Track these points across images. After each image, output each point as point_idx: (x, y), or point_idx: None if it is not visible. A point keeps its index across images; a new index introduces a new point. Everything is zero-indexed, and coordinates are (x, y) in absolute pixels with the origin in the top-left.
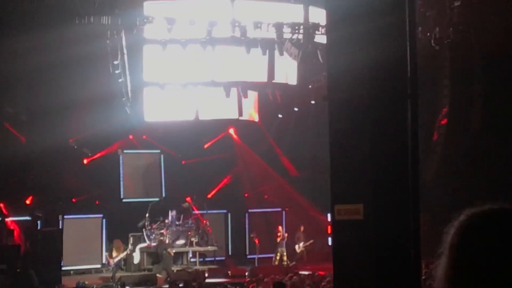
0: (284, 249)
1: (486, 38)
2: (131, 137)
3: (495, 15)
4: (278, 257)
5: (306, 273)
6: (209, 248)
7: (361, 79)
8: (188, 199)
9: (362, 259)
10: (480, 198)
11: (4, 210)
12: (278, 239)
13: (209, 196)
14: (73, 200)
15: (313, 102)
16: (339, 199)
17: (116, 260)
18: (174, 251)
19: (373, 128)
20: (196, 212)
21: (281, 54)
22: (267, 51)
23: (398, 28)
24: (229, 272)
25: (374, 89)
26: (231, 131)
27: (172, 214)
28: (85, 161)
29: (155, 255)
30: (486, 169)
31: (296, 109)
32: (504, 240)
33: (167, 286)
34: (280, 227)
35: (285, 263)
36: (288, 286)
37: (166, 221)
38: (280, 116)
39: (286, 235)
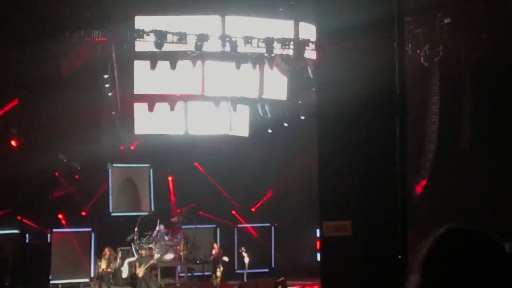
0: (220, 265)
1: (475, 55)
2: (120, 149)
3: (484, 32)
4: (214, 275)
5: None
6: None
7: (350, 96)
8: (178, 211)
9: (350, 275)
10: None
11: None
12: (213, 257)
13: (200, 212)
14: (62, 213)
15: (302, 117)
16: (328, 216)
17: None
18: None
19: (361, 145)
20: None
21: (271, 69)
22: (257, 66)
23: (387, 45)
24: (217, 287)
25: (362, 106)
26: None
27: (160, 228)
28: (75, 175)
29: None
30: (476, 186)
31: (285, 124)
32: (471, 258)
33: None
34: (215, 244)
35: (219, 280)
36: None
37: (154, 232)
38: (269, 131)
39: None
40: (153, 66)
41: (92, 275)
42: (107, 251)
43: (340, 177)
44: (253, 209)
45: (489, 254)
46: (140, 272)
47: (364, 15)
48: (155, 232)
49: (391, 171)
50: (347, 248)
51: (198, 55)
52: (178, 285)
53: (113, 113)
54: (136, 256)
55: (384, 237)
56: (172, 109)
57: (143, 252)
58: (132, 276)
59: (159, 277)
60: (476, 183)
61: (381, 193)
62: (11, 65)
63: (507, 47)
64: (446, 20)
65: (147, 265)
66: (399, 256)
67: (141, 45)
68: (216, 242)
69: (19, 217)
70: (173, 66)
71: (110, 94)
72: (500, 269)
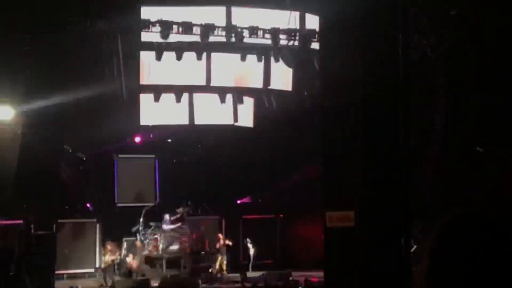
0: (224, 257)
1: (482, 46)
2: (125, 140)
3: (491, 23)
4: (218, 266)
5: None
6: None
7: (354, 87)
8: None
9: (353, 266)
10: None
11: None
12: (218, 246)
13: (205, 202)
14: (67, 204)
15: (310, 109)
16: (331, 206)
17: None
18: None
19: (365, 136)
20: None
21: (277, 60)
22: (263, 57)
23: (391, 36)
24: (222, 277)
25: (366, 96)
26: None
27: (166, 219)
28: (80, 166)
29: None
30: (482, 177)
31: (292, 115)
32: (481, 244)
33: None
34: (220, 235)
35: (224, 271)
36: None
37: (162, 226)
38: (276, 122)
39: (226, 242)
40: (159, 57)
41: (97, 265)
42: (108, 245)
43: (344, 167)
44: (258, 200)
45: (498, 237)
46: (134, 263)
47: (368, 5)
48: (161, 223)
49: (395, 162)
50: (351, 238)
51: (204, 46)
52: (183, 276)
53: (119, 103)
54: (141, 247)
55: (387, 227)
56: (178, 100)
57: (138, 243)
58: (127, 267)
59: (164, 268)
60: (482, 174)
61: (384, 183)
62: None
63: None
64: (453, 11)
65: (142, 259)
66: (403, 246)
67: (147, 36)
68: (221, 233)
69: (24, 207)
70: (179, 57)
71: (115, 84)
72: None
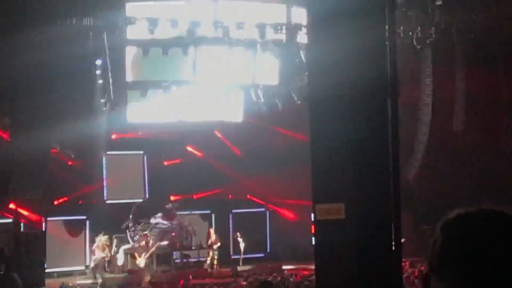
0: (216, 252)
1: (467, 37)
2: (114, 138)
3: (476, 14)
4: (209, 261)
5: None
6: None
7: (341, 79)
8: (172, 198)
9: (343, 258)
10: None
11: None
12: (209, 242)
13: (195, 197)
14: (56, 201)
15: (298, 102)
16: (320, 199)
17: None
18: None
19: (353, 128)
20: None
21: (264, 54)
22: (250, 51)
23: (378, 27)
24: (213, 272)
25: (354, 88)
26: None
27: (155, 215)
28: (69, 163)
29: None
30: (469, 168)
31: (280, 108)
32: (487, 240)
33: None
34: (211, 230)
35: (215, 267)
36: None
37: (151, 220)
38: (264, 116)
39: (216, 239)
40: (145, 53)
41: (87, 263)
42: (98, 241)
43: (333, 160)
44: (247, 194)
45: (504, 233)
46: (142, 262)
47: None
48: (152, 219)
49: (384, 153)
50: (341, 231)
51: (190, 41)
52: (174, 271)
53: (105, 100)
54: (131, 243)
55: (377, 219)
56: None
57: (142, 241)
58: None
59: (154, 264)
60: (469, 164)
61: (373, 175)
62: (1, 53)
63: (499, 28)
64: (438, 2)
65: (147, 254)
66: (393, 238)
67: (132, 32)
68: (211, 228)
69: (13, 206)
70: (165, 53)
71: (101, 81)
72: None
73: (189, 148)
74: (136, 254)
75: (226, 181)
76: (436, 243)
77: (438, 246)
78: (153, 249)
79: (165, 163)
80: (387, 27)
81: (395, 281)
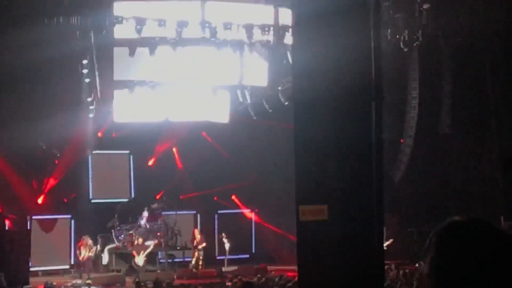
0: (201, 252)
1: (454, 40)
2: (99, 136)
3: (463, 17)
4: (194, 261)
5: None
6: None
7: (326, 81)
8: (157, 197)
9: (326, 260)
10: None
11: None
12: (194, 242)
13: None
14: (42, 200)
15: (286, 103)
16: (304, 200)
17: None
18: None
19: (337, 130)
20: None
21: (251, 55)
22: (237, 52)
23: (363, 30)
24: (197, 273)
25: (339, 91)
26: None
27: (141, 215)
28: (54, 162)
29: (124, 256)
30: (455, 171)
31: (269, 110)
32: (480, 249)
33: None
34: (196, 230)
35: (200, 267)
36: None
37: (138, 221)
38: (254, 118)
39: (201, 240)
40: (132, 53)
41: (72, 262)
42: (83, 240)
43: (317, 161)
44: (233, 195)
45: (495, 241)
46: (140, 261)
47: None
48: (138, 219)
49: (367, 156)
50: (324, 232)
51: (178, 41)
52: (159, 271)
53: (92, 99)
54: (116, 243)
55: (360, 221)
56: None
57: (140, 240)
58: (130, 265)
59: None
60: (455, 167)
61: (357, 177)
62: None
63: (486, 32)
64: (425, 5)
65: (146, 253)
66: (376, 240)
67: (120, 32)
68: (196, 228)
69: None
70: (152, 52)
71: (88, 80)
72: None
73: (175, 148)
74: (134, 253)
75: (212, 181)
76: (429, 252)
77: (431, 255)
78: (151, 247)
79: (151, 162)
80: (372, 29)
81: (377, 282)
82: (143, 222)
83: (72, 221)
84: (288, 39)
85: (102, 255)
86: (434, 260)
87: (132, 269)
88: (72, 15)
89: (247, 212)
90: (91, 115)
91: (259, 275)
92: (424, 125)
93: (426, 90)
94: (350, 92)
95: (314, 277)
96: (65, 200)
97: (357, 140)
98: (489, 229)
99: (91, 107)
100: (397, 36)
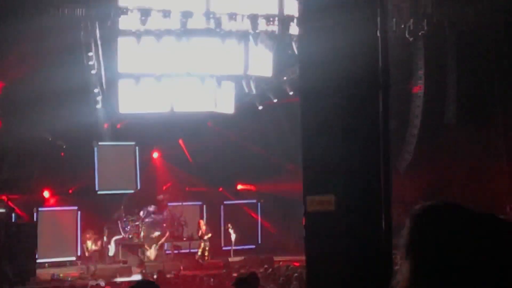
0: (207, 243)
1: (460, 29)
2: (105, 128)
3: (468, 6)
4: (200, 252)
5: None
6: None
7: (333, 70)
8: (164, 188)
9: (333, 250)
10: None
11: None
12: (199, 233)
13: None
14: (48, 192)
15: (291, 93)
16: (311, 190)
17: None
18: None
19: (344, 119)
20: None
21: (256, 45)
22: (242, 42)
23: (370, 18)
24: (204, 263)
25: (345, 80)
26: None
27: (148, 207)
28: (60, 153)
29: (130, 248)
30: (461, 160)
31: (274, 100)
32: (453, 232)
33: (141, 278)
34: (201, 221)
35: (206, 258)
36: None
37: (141, 213)
38: (259, 108)
39: (206, 229)
40: (137, 44)
41: (78, 253)
42: (88, 234)
43: (323, 151)
44: (239, 185)
45: (471, 224)
46: (152, 254)
47: None
48: (144, 210)
49: (375, 145)
50: (331, 222)
51: (182, 32)
52: (165, 262)
53: (97, 90)
54: (122, 234)
55: (367, 212)
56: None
57: (146, 231)
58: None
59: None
60: (460, 157)
61: (364, 167)
62: None
63: (491, 21)
64: None
65: (157, 245)
66: (383, 230)
67: (125, 23)
68: (202, 219)
69: (5, 196)
70: (157, 44)
71: (94, 71)
72: (491, 236)
73: (180, 139)
74: (146, 246)
75: (218, 171)
76: (404, 233)
77: (405, 236)
78: (163, 240)
79: (156, 154)
80: (379, 18)
81: (385, 272)
82: (148, 213)
83: (79, 213)
84: (293, 29)
85: (109, 246)
86: (409, 243)
87: (139, 260)
88: (77, 6)
89: (252, 202)
90: (97, 107)
91: (265, 266)
92: (429, 115)
93: (431, 79)
94: (357, 81)
95: (321, 267)
96: (71, 192)
97: (364, 130)
98: (463, 212)
99: (97, 98)
100: (402, 25)
